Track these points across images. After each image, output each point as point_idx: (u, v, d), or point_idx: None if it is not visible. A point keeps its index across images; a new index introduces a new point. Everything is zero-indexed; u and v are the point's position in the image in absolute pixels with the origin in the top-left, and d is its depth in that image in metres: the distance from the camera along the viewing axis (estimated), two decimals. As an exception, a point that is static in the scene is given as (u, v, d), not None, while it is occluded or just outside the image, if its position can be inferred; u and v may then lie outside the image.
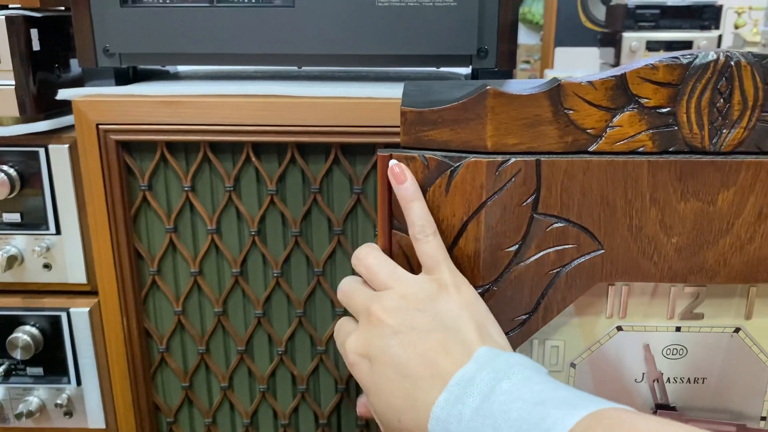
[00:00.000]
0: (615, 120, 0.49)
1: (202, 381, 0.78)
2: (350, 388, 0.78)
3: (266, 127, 0.67)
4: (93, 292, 0.79)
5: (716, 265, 0.51)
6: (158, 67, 0.85)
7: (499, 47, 0.68)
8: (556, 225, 0.50)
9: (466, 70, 0.74)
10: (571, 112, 0.48)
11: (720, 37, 2.93)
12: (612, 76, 0.48)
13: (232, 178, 0.70)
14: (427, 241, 0.48)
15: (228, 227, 0.72)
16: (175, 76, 0.84)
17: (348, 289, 0.51)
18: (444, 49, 0.67)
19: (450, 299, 0.46)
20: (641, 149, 0.49)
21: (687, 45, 2.95)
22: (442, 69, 0.87)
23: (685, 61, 0.48)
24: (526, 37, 5.47)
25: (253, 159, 0.69)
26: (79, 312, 0.77)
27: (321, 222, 0.72)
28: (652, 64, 0.48)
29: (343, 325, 0.51)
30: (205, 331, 0.76)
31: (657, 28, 3.00)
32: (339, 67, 0.76)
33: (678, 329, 0.56)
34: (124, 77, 0.74)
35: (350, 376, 0.77)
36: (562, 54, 4.71)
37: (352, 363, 0.47)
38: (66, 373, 0.80)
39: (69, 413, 0.82)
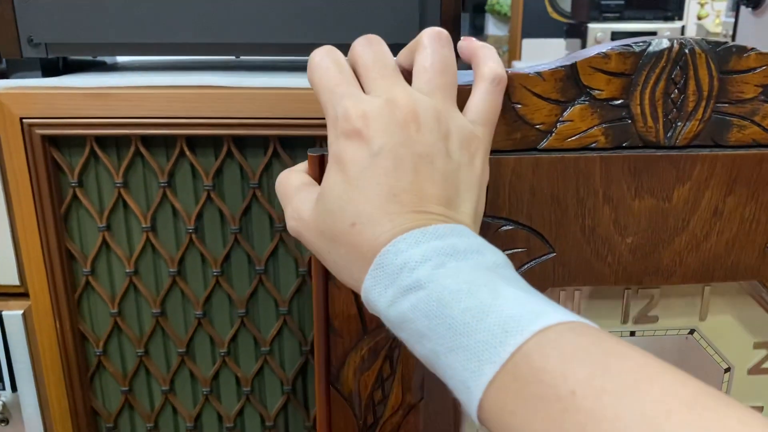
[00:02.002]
0: (566, 114, 0.46)
1: (142, 384, 0.75)
2: (296, 389, 0.75)
3: (200, 119, 0.64)
4: (27, 294, 0.75)
5: (672, 264, 0.49)
6: (93, 58, 0.81)
7: (443, 36, 0.66)
8: (504, 228, 0.48)
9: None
10: (519, 106, 0.46)
11: (683, 28, 2.95)
12: (561, 66, 0.46)
13: (166, 173, 0.67)
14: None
15: (164, 225, 0.69)
16: (113, 68, 0.80)
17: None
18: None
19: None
20: (593, 145, 0.47)
21: (651, 36, 2.96)
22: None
23: (637, 49, 0.46)
24: (494, 29, 5.47)
25: (188, 153, 0.66)
26: (12, 315, 0.74)
27: (262, 218, 0.69)
28: (603, 53, 0.45)
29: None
30: (144, 333, 0.73)
31: (621, 19, 3.01)
32: (277, 56, 0.73)
33: (632, 334, 0.54)
34: (52, 69, 0.70)
35: (296, 376, 0.75)
36: (529, 45, 4.70)
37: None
38: (0, 379, 0.77)
39: (5, 420, 0.78)
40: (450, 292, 0.31)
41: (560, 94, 0.46)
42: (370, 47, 0.40)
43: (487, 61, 0.42)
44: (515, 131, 0.47)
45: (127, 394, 0.75)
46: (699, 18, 3.07)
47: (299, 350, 0.74)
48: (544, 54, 4.67)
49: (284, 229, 0.69)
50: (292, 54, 0.69)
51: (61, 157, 0.67)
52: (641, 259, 0.49)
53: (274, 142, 0.66)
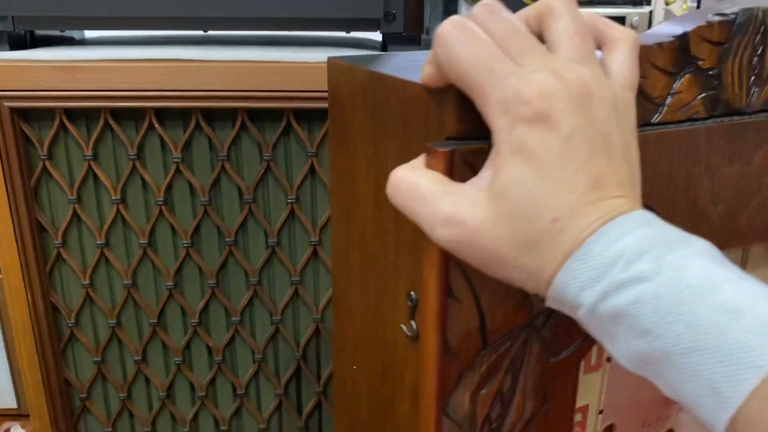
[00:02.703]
0: (676, 86, 0.44)
1: (114, 355, 0.77)
2: (267, 358, 0.77)
3: (169, 92, 0.66)
4: (-3, 268, 0.76)
5: (746, 227, 0.49)
6: (61, 33, 0.81)
7: (407, 11, 0.68)
8: None
9: (377, 36, 0.73)
10: (642, 80, 0.42)
11: (651, 13, 2.99)
12: (675, 37, 0.44)
13: (135, 145, 0.68)
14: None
15: (134, 197, 0.70)
16: (81, 43, 0.80)
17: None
18: (351, 12, 0.67)
19: None
20: (695, 115, 0.46)
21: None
22: (353, 34, 0.86)
23: (732, 18, 0.45)
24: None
25: (157, 126, 0.67)
26: (-17, 288, 0.74)
27: (231, 190, 0.71)
28: (708, 22, 0.44)
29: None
30: (116, 304, 0.74)
31: (591, 3, 3.04)
32: (245, 31, 0.75)
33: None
34: (20, 43, 0.70)
35: (267, 345, 0.76)
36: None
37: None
38: (-28, 352, 0.77)
39: (-23, 393, 0.79)
40: (687, 286, 0.28)
41: (673, 65, 0.44)
42: (499, 14, 0.32)
43: (613, 24, 0.36)
44: (637, 106, 0.45)
45: (99, 364, 0.76)
46: (666, 3, 3.12)
47: (270, 320, 0.76)
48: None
49: (253, 200, 0.70)
50: (260, 28, 0.70)
51: (30, 130, 0.67)
52: (726, 224, 0.48)
53: (242, 114, 0.67)
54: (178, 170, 0.69)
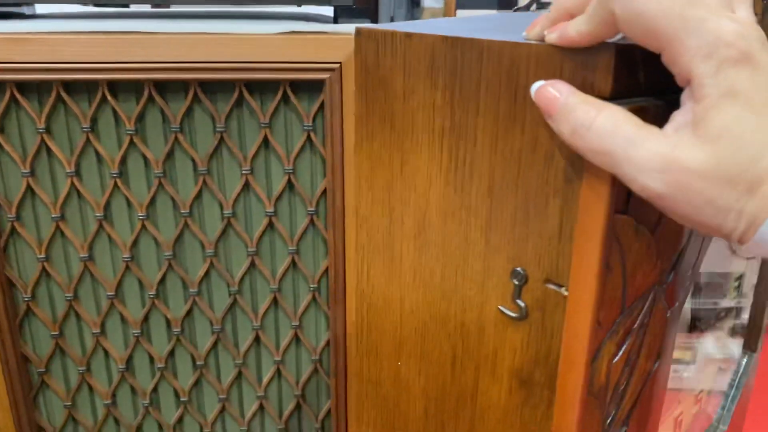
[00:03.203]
0: None
1: (72, 329, 0.77)
2: (225, 329, 0.78)
3: (122, 64, 0.66)
4: (-49, 245, 0.76)
5: None
6: (11, 9, 0.81)
7: (356, -16, 0.69)
8: None
9: (328, 10, 0.75)
10: None
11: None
12: None
13: (88, 118, 0.68)
14: None
15: (88, 170, 0.71)
16: (32, 17, 0.80)
17: None
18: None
19: None
20: None
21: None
22: (304, 8, 0.87)
23: None
24: (430, 1, 5.49)
25: (110, 98, 0.68)
26: (-63, 265, 0.74)
27: (185, 162, 0.72)
28: None
29: None
30: (72, 278, 0.74)
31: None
32: (196, 5, 0.75)
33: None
34: (-31, 16, 0.70)
35: (225, 316, 0.78)
36: (464, 16, 4.78)
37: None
38: (-73, 330, 0.77)
39: (-67, 372, 0.79)
40: None
41: None
42: None
43: None
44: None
45: (57, 339, 0.77)
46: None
47: (227, 291, 0.77)
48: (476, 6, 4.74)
49: (208, 172, 0.71)
50: (211, 2, 0.71)
51: (-20, 103, 0.67)
52: None
53: (194, 86, 0.68)
54: (131, 143, 0.70)
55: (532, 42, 0.33)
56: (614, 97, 0.31)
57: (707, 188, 0.30)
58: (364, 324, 0.46)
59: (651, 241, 0.37)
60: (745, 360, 0.69)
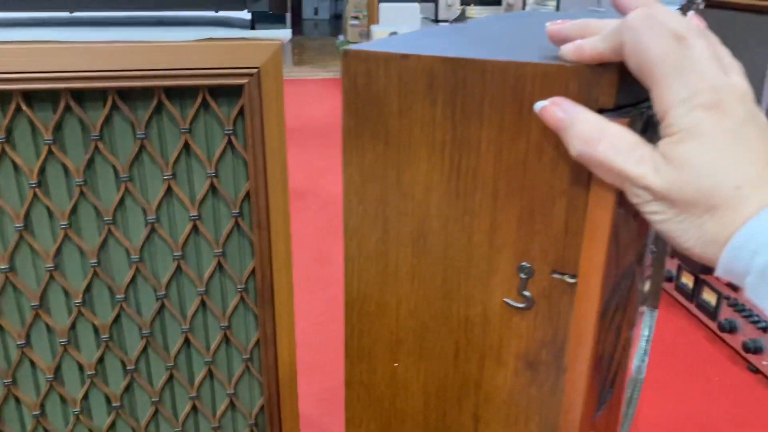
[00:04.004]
0: None
1: (-4, 342, 0.76)
2: (155, 333, 0.79)
3: (36, 74, 0.66)
4: None
5: None
6: None
7: (271, -10, 0.71)
8: None
9: (245, 14, 0.76)
10: None
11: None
12: None
13: (3, 128, 0.68)
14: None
15: (6, 181, 0.70)
16: (-62, 27, 0.78)
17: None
18: (218, 5, 0.69)
19: None
20: None
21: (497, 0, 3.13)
22: (221, 13, 0.87)
23: None
24: (353, -7, 5.52)
25: (25, 108, 0.67)
26: None
27: (106, 170, 0.72)
28: None
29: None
30: (-7, 290, 0.74)
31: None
32: (111, 11, 0.75)
33: None
34: None
35: (153, 320, 0.78)
36: (386, 10, 4.81)
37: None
38: None
39: None
40: None
41: None
42: (680, 19, 0.36)
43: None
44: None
45: (-20, 352, 0.76)
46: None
47: (155, 296, 0.78)
48: (399, 17, 4.80)
49: (130, 179, 0.72)
50: (127, 8, 0.71)
51: None
52: None
53: (112, 94, 0.68)
54: (50, 152, 0.69)
55: (537, 61, 0.36)
56: (613, 108, 0.35)
57: (670, 209, 0.34)
58: (355, 331, 0.48)
59: (635, 227, 0.41)
60: (651, 316, 0.74)
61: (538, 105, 0.36)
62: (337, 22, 8.26)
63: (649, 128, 0.39)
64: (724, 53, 0.37)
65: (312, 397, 1.36)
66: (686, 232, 0.34)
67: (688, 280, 1.73)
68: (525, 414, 0.42)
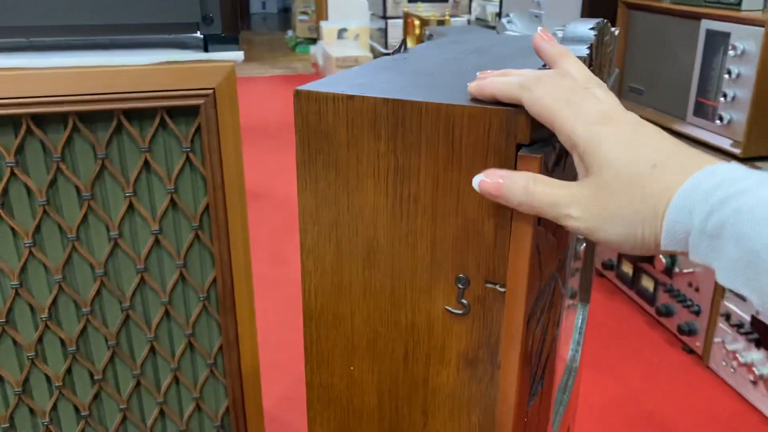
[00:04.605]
0: None
1: (-37, 359, 0.78)
2: (121, 343, 0.82)
3: (-3, 100, 0.68)
4: None
5: None
6: None
7: (223, 14, 0.74)
8: None
9: (200, 36, 0.79)
10: None
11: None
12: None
13: (-34, 153, 0.70)
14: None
15: (-31, 203, 0.72)
16: None
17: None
18: (169, 17, 0.72)
19: None
20: None
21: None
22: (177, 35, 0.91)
23: None
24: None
25: (-13, 133, 0.70)
26: None
27: (69, 189, 0.75)
28: None
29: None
30: (-40, 309, 0.76)
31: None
32: (67, 37, 0.78)
33: None
34: None
35: (119, 331, 0.81)
36: (335, 5, 4.84)
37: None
38: None
39: None
40: None
41: None
42: (561, 73, 0.44)
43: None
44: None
45: (-52, 369, 0.78)
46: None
47: (120, 308, 0.81)
48: (347, 12, 4.83)
49: (92, 197, 0.75)
50: (83, 34, 0.74)
51: None
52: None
53: (72, 117, 0.71)
54: (12, 174, 0.72)
55: (464, 104, 0.42)
56: (529, 143, 0.41)
57: (609, 207, 0.38)
58: (314, 338, 0.53)
59: (554, 242, 0.47)
60: (583, 310, 0.81)
61: (475, 181, 0.42)
62: (285, 16, 8.22)
63: (562, 157, 0.44)
64: (595, 81, 0.43)
65: (274, 395, 1.40)
66: (633, 225, 0.38)
67: (628, 268, 1.82)
68: (467, 406, 0.48)
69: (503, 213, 0.42)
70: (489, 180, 0.41)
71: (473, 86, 0.43)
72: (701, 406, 1.45)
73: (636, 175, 0.37)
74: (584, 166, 0.39)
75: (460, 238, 0.44)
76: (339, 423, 0.54)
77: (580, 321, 0.75)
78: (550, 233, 0.46)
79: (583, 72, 0.43)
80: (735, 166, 0.36)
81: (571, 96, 0.40)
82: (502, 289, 0.44)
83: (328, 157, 0.47)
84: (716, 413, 1.42)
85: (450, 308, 0.46)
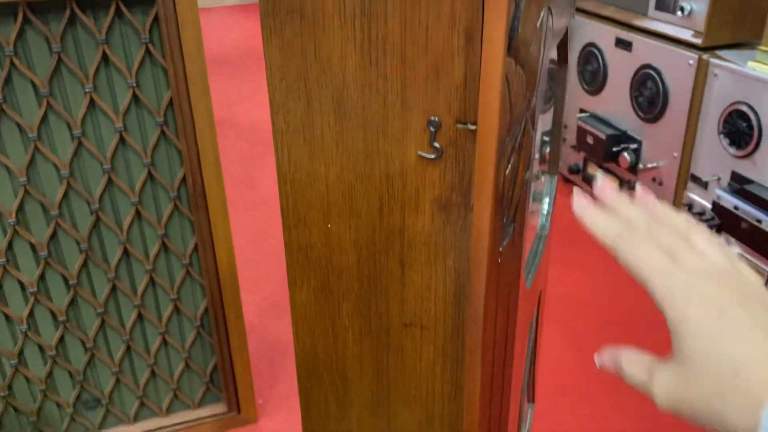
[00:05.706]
0: None
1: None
2: (93, 246, 0.82)
3: (-61, -9, 0.65)
4: None
5: None
6: None
7: None
8: None
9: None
10: None
11: None
12: None
13: None
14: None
15: None
16: None
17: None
18: None
19: None
20: None
21: None
22: None
23: None
24: None
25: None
26: None
27: (25, 86, 0.72)
28: None
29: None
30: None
31: None
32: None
33: None
34: None
35: (90, 234, 0.81)
36: None
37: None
38: None
39: None
40: None
41: None
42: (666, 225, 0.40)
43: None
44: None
45: None
46: None
47: (89, 209, 0.80)
48: None
49: (50, 93, 0.73)
50: None
51: None
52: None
53: (23, 7, 0.68)
54: (-36, 71, 0.69)
55: None
56: None
57: (695, 401, 0.37)
58: (290, 200, 0.53)
59: (523, 77, 0.47)
60: (551, 181, 0.82)
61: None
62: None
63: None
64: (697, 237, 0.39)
65: (252, 305, 1.42)
66: (711, 414, 0.36)
67: (593, 170, 1.85)
68: (443, 252, 0.49)
69: (472, 48, 0.42)
70: (605, 357, 0.40)
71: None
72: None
73: (719, 377, 0.36)
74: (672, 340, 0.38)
75: (431, 78, 0.44)
76: (319, 282, 0.54)
77: (549, 192, 0.76)
78: (519, 67, 0.46)
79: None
80: None
81: (672, 271, 0.37)
82: (473, 127, 0.44)
83: (291, 3, 0.46)
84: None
85: (423, 153, 0.46)
